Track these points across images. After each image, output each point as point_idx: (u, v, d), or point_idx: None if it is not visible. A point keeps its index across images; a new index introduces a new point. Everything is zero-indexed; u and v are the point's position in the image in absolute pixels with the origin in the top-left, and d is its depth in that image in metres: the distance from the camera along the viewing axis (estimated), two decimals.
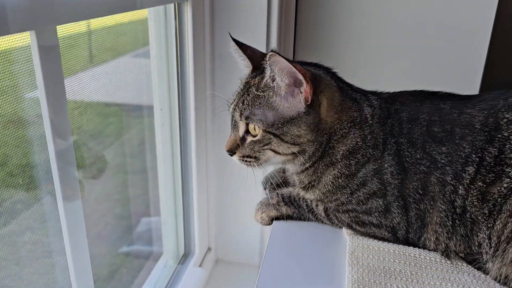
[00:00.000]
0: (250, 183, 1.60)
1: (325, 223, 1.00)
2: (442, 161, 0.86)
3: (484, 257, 0.83)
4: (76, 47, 0.96)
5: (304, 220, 1.02)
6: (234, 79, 1.42)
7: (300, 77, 0.85)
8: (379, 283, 0.82)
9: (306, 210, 1.01)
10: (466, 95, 0.94)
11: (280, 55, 0.82)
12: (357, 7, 1.54)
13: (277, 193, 1.04)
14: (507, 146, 0.81)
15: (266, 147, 0.91)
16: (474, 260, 0.86)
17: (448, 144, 0.86)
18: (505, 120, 0.83)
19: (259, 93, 0.91)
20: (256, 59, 0.97)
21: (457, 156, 0.85)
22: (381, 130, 0.91)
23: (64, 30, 0.84)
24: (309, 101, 0.88)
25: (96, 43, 0.96)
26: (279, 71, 0.85)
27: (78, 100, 1.00)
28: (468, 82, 1.54)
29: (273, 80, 0.88)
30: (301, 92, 0.87)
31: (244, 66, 1.00)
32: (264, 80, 0.90)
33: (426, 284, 0.82)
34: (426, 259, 0.88)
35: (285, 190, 1.05)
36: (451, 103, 0.91)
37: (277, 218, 1.03)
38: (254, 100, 0.91)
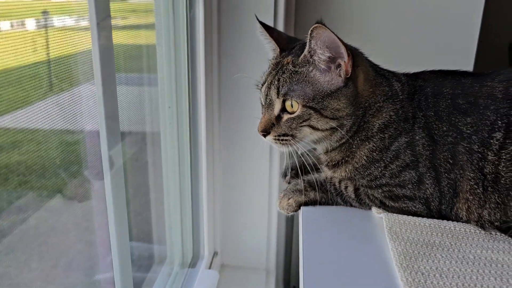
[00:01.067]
0: (254, 186, 1.61)
1: (353, 205, 1.00)
2: (468, 131, 0.89)
3: None
4: (35, 77, 0.94)
5: (332, 204, 1.02)
6: (239, 78, 1.44)
7: (343, 50, 0.86)
8: (423, 253, 0.82)
9: (334, 193, 1.01)
10: (482, 72, 0.98)
11: (326, 26, 0.83)
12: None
13: (303, 179, 1.04)
14: None
15: (304, 123, 0.92)
16: (508, 229, 0.88)
17: (473, 114, 0.89)
18: None
19: (296, 69, 0.92)
20: (283, 41, 1.00)
21: (483, 124, 0.88)
22: (409, 104, 0.94)
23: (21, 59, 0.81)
24: (349, 74, 0.90)
25: (55, 71, 0.93)
26: (321, 44, 0.87)
27: (38, 128, 0.95)
28: (461, 62, 1.63)
29: (312, 55, 0.90)
30: (340, 66, 0.89)
31: (270, 49, 1.01)
32: (302, 55, 0.91)
33: (467, 253, 0.83)
34: (461, 230, 0.89)
35: (310, 176, 1.05)
36: (471, 78, 0.95)
37: (305, 204, 1.02)
38: (291, 76, 0.92)
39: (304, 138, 0.95)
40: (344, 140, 0.95)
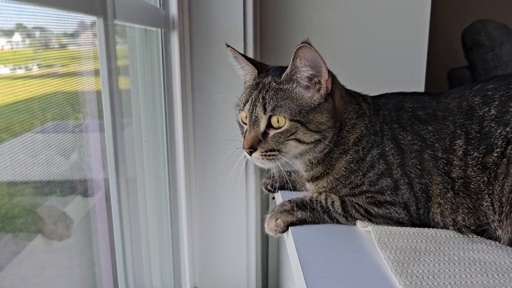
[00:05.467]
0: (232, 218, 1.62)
1: (340, 221, 1.04)
2: (431, 139, 0.99)
3: (492, 225, 0.93)
4: None
5: (318, 223, 1.05)
6: (211, 110, 1.48)
7: (324, 68, 0.96)
8: (413, 259, 0.87)
9: (321, 211, 1.04)
10: (436, 92, 1.10)
11: (312, 46, 0.90)
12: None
13: (289, 200, 1.07)
14: (485, 123, 0.95)
15: (291, 136, 0.98)
16: (484, 232, 0.95)
17: (433, 123, 1.00)
18: (476, 102, 0.98)
19: (280, 86, 0.99)
20: (257, 65, 1.08)
21: (444, 133, 0.98)
22: (376, 119, 1.04)
23: None
24: (329, 90, 0.99)
25: None
26: (305, 62, 0.95)
27: None
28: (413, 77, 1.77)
29: (295, 73, 0.98)
30: (320, 82, 0.98)
31: (244, 73, 1.10)
32: (285, 73, 0.99)
33: (452, 255, 0.89)
34: (442, 236, 0.96)
35: (296, 197, 1.09)
36: (428, 96, 1.07)
37: (292, 224, 1.05)
38: (276, 93, 0.98)
39: (289, 152, 1.01)
40: (327, 150, 1.02)
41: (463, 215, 0.95)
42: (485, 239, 0.95)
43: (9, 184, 0.83)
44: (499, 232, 0.92)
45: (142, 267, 1.44)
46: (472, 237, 0.96)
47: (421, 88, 1.79)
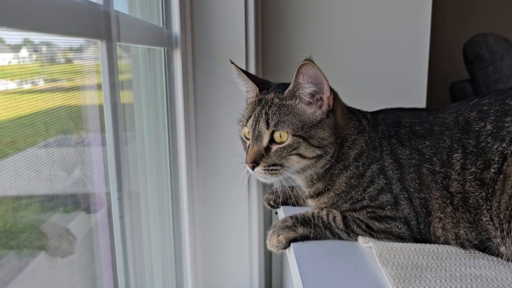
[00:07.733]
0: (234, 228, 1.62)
1: (341, 237, 1.04)
2: (429, 153, 1.00)
3: (494, 241, 0.93)
4: None
5: (320, 239, 1.05)
6: (213, 126, 1.49)
7: (326, 85, 0.98)
8: (415, 275, 0.87)
9: (323, 227, 1.05)
10: (434, 108, 1.11)
11: (314, 63, 0.92)
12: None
13: (291, 216, 1.08)
14: (481, 138, 0.96)
15: (293, 151, 0.99)
16: (486, 248, 0.95)
17: (430, 138, 1.01)
18: (472, 117, 0.99)
19: (283, 102, 1.01)
20: (259, 82, 1.11)
21: (440, 147, 0.99)
22: (375, 135, 1.05)
23: None
24: (331, 107, 1.00)
25: None
26: (308, 79, 0.97)
27: None
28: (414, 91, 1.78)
29: (298, 89, 0.99)
30: (322, 99, 1.00)
31: (246, 90, 1.12)
32: (288, 90, 1.00)
33: (454, 271, 0.89)
34: (444, 252, 0.96)
35: (298, 213, 1.09)
36: (425, 111, 1.09)
37: (294, 240, 1.05)
38: (279, 109, 1.00)
39: (291, 167, 1.02)
40: (328, 166, 1.03)
41: (465, 229, 0.95)
42: (487, 255, 0.95)
43: (13, 199, 0.84)
44: (503, 249, 0.92)
45: (144, 283, 1.44)
46: (474, 253, 0.96)
47: (422, 102, 1.80)
